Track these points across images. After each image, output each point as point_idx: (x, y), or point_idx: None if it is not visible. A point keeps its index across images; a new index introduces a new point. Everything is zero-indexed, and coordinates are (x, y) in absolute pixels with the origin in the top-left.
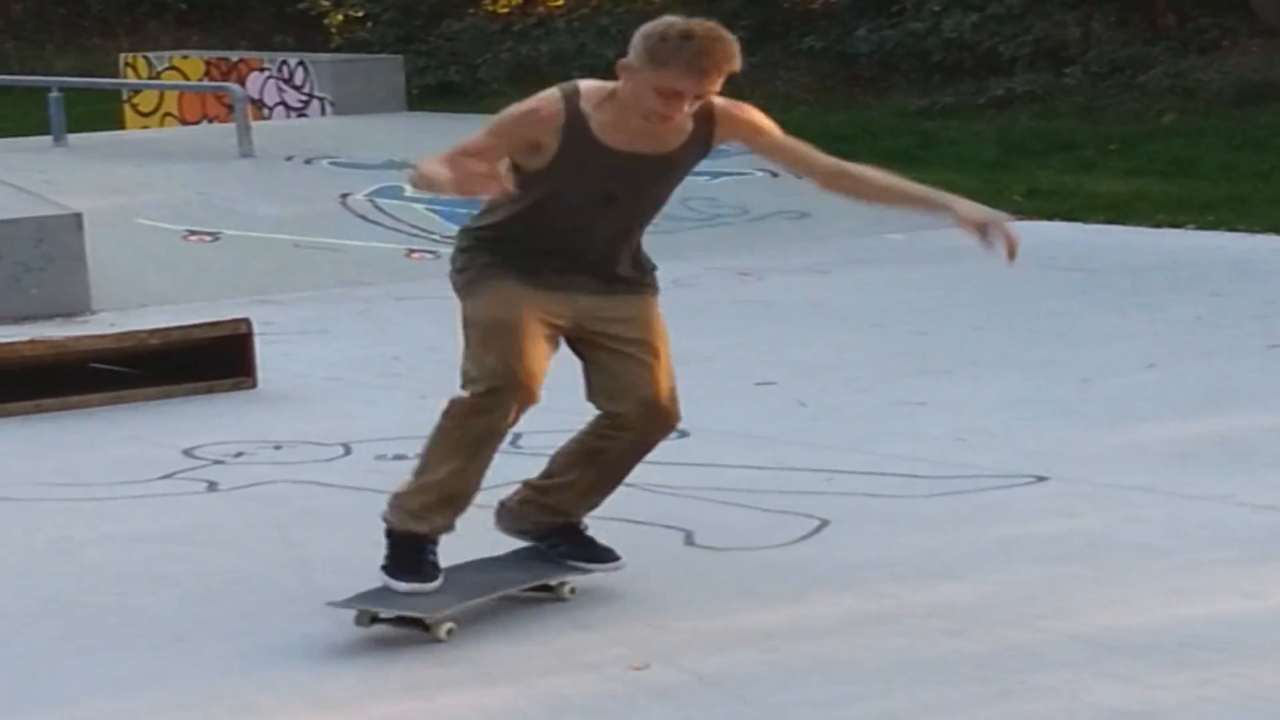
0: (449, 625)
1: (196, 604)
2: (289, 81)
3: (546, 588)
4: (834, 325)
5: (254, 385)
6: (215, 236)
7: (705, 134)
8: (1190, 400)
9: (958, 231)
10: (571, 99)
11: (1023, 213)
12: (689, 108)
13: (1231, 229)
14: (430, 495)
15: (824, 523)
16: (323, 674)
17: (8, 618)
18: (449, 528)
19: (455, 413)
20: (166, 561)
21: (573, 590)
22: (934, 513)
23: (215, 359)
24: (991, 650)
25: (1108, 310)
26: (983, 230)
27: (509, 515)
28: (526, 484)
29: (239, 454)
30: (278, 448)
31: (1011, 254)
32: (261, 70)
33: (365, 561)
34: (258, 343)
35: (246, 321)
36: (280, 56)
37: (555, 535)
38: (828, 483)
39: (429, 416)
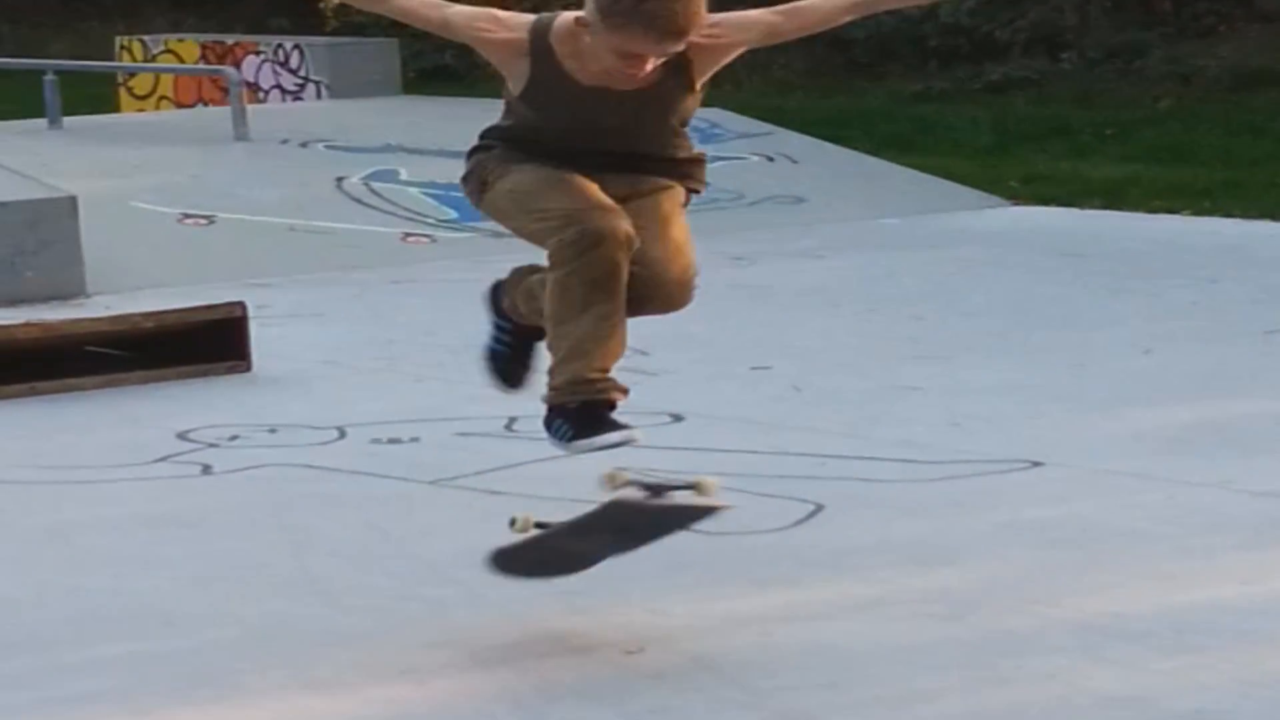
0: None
1: (190, 587)
2: (284, 65)
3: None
4: (829, 310)
5: (249, 369)
6: (210, 220)
7: (682, 68)
8: (1186, 386)
9: (953, 218)
10: (541, 35)
11: (1019, 198)
12: (655, 65)
13: (1228, 215)
14: (579, 360)
15: (818, 507)
16: (316, 657)
17: (2, 601)
18: (618, 386)
19: (561, 257)
20: (160, 544)
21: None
22: (929, 498)
23: (210, 342)
24: (986, 636)
25: (1103, 296)
26: None
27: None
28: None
29: (234, 437)
30: (272, 431)
31: None
32: (257, 54)
33: (359, 545)
34: (252, 326)
35: (241, 305)
36: (276, 40)
37: (515, 331)
38: (822, 467)
39: (424, 400)
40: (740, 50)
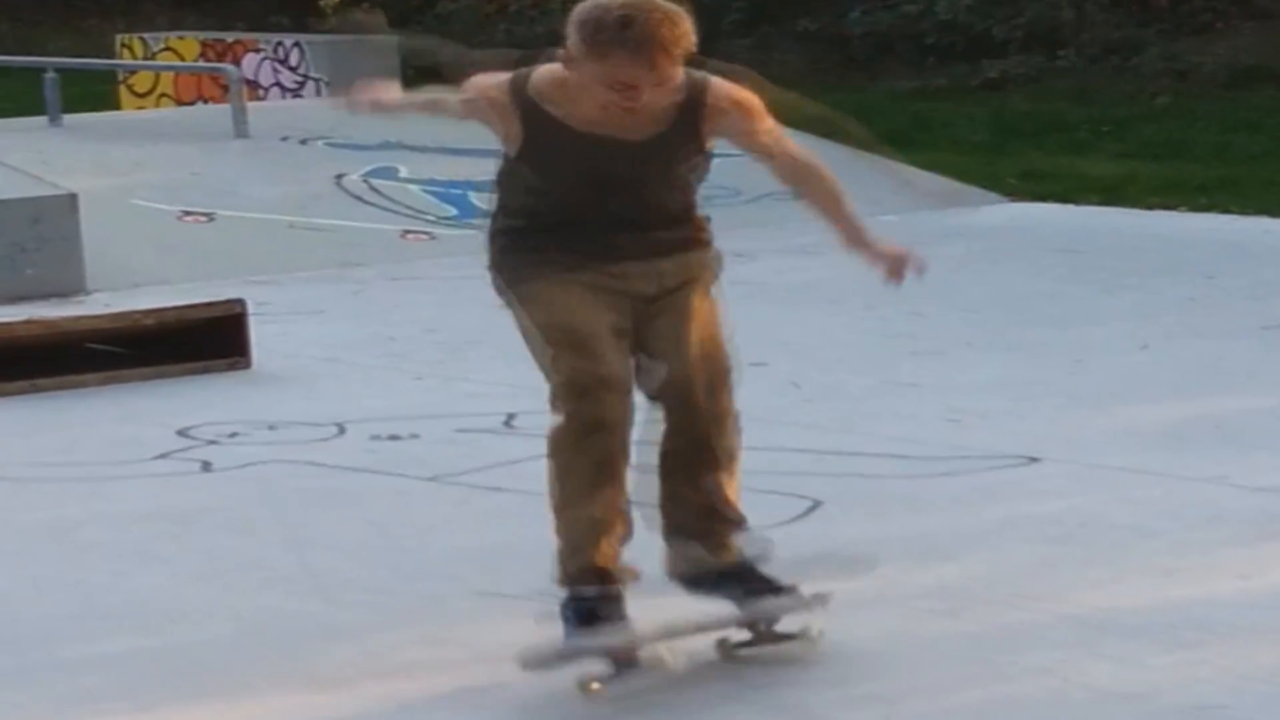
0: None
1: (191, 583)
2: (284, 62)
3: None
4: (827, 306)
5: (249, 366)
6: (210, 217)
7: (690, 123)
8: (1183, 381)
9: (950, 214)
10: (519, 89)
11: (1016, 194)
12: (652, 95)
13: (1225, 211)
14: (580, 546)
15: (816, 503)
16: (316, 653)
17: (2, 597)
18: (630, 572)
19: (558, 444)
20: (161, 541)
21: (821, 632)
22: (926, 494)
23: (210, 339)
24: (983, 631)
25: (1100, 292)
26: (885, 262)
27: (670, 561)
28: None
29: (233, 434)
30: (272, 428)
31: (894, 273)
32: (257, 51)
33: (358, 542)
34: (252, 323)
35: (241, 302)
36: (276, 37)
37: (714, 581)
38: (820, 463)
39: (423, 397)
40: (734, 140)
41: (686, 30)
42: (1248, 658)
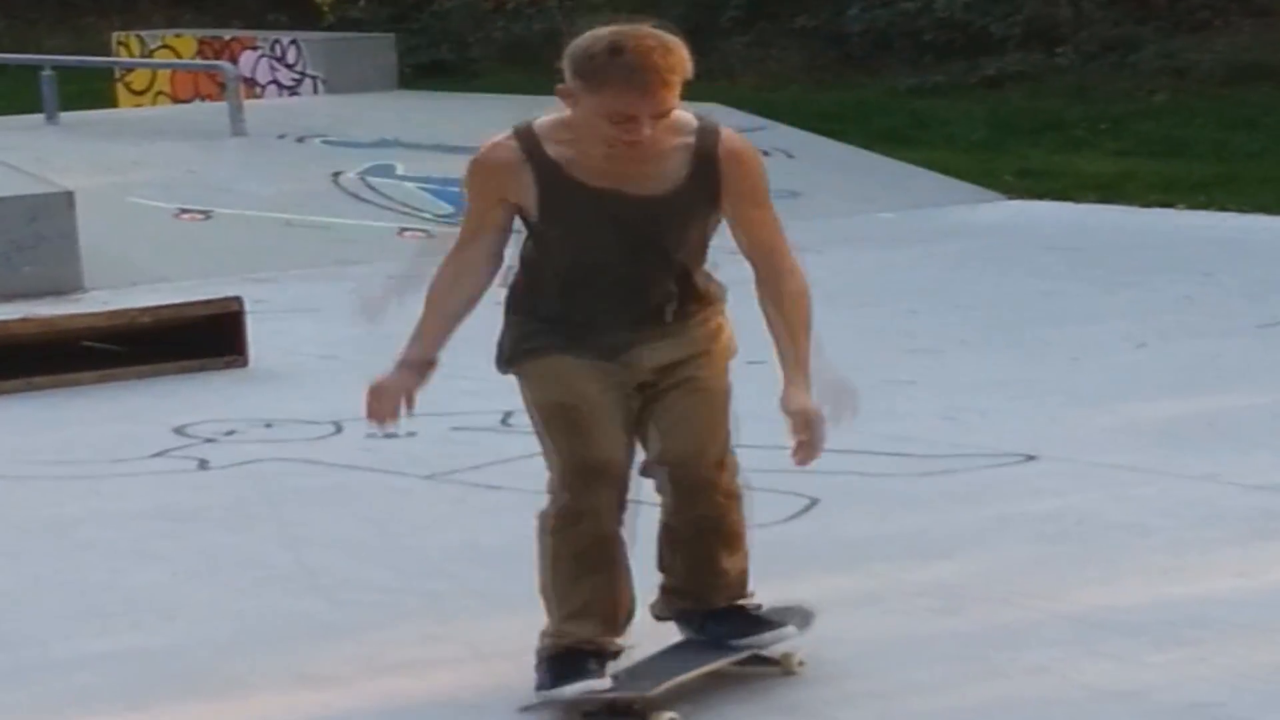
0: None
1: (187, 582)
2: (281, 60)
3: (770, 661)
4: (823, 304)
5: (245, 364)
6: (207, 215)
7: (710, 179)
8: (1181, 380)
9: (948, 212)
10: (527, 139)
11: (1014, 192)
12: (653, 127)
13: (1222, 209)
14: (575, 626)
15: (813, 501)
16: (313, 651)
17: (0, 595)
18: (617, 649)
19: (550, 526)
20: (158, 539)
21: (801, 662)
22: (923, 492)
23: (207, 337)
24: (981, 629)
25: (1098, 290)
26: (798, 422)
27: (657, 603)
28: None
29: (230, 432)
30: (269, 426)
31: (801, 457)
32: (254, 49)
33: (355, 540)
34: (249, 321)
35: (238, 300)
36: (273, 35)
37: (706, 617)
38: (817, 461)
39: (420, 395)
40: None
41: (682, 58)
42: (1245, 656)
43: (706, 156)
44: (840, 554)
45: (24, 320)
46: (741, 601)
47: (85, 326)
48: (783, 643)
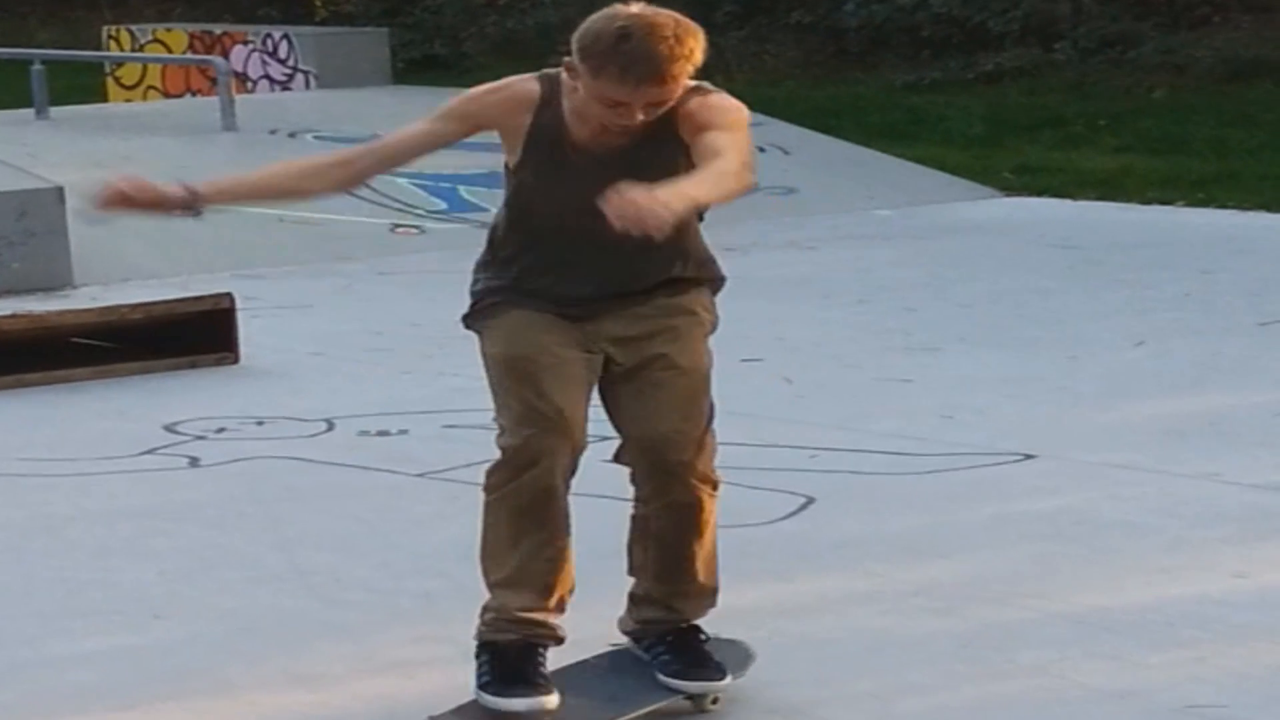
0: None
1: (177, 580)
2: (273, 55)
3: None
4: (820, 302)
5: (236, 360)
6: (198, 211)
7: (670, 125)
8: (1179, 378)
9: (945, 209)
10: (551, 86)
11: (1011, 189)
12: (646, 115)
13: (1222, 206)
14: (509, 595)
15: (809, 500)
16: (303, 650)
17: None
18: (550, 630)
19: (493, 481)
20: (148, 537)
21: (715, 699)
22: (921, 490)
23: (198, 334)
24: (978, 629)
25: (1097, 287)
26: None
27: (623, 616)
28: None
29: (221, 429)
30: (260, 423)
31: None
32: (245, 43)
33: (346, 538)
34: (240, 317)
35: (229, 296)
36: (264, 29)
37: (660, 641)
38: (813, 460)
39: (412, 392)
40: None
41: (692, 49)
42: (1243, 656)
43: (677, 103)
44: (836, 553)
45: (14, 316)
46: (699, 622)
47: (75, 323)
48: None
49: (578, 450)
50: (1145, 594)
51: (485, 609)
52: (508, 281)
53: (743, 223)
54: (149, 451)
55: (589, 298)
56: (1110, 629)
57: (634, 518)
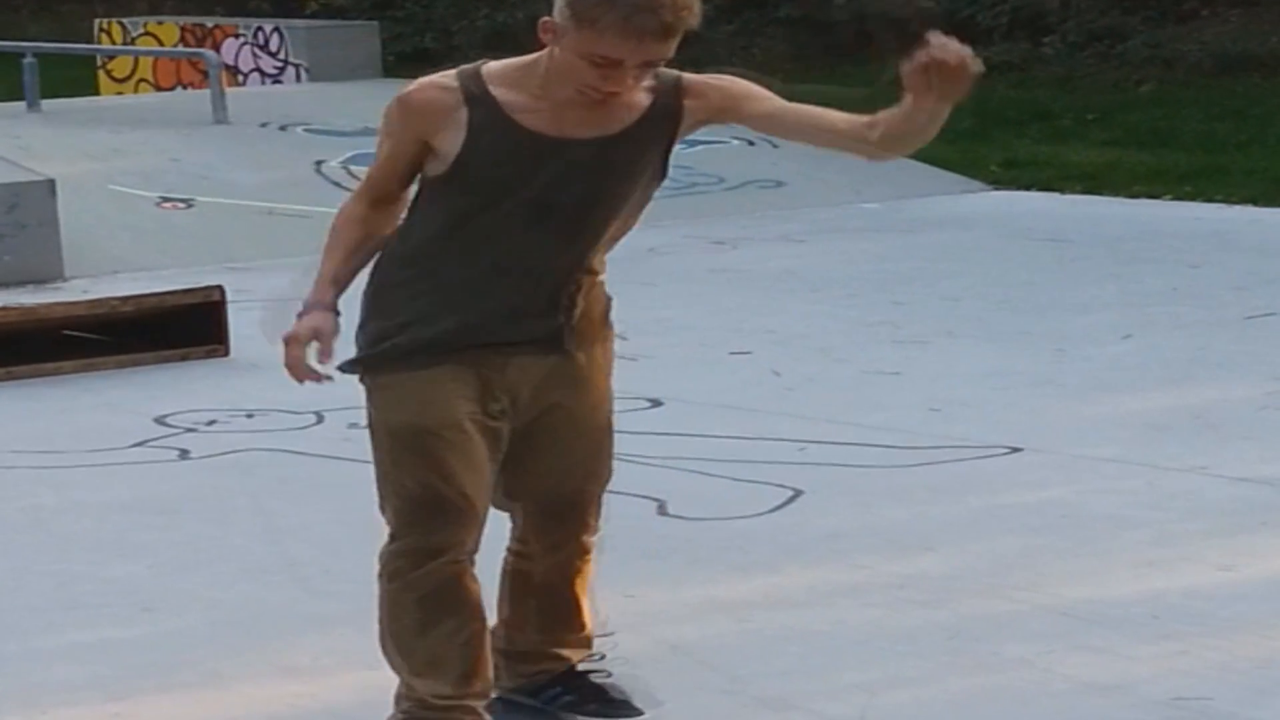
0: None
1: (167, 573)
2: (264, 48)
3: None
4: (809, 295)
5: (227, 353)
6: (189, 203)
7: (670, 107)
8: (1166, 371)
9: (933, 203)
10: (470, 79)
11: (999, 183)
12: (636, 80)
13: (1209, 200)
14: (425, 684)
15: (798, 493)
16: (292, 643)
17: None
18: (477, 718)
19: (391, 569)
20: (138, 530)
21: None
22: (908, 483)
23: (188, 326)
24: (965, 621)
25: (1084, 281)
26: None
27: (497, 671)
28: (493, 636)
29: (211, 422)
30: (250, 416)
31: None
32: (237, 36)
33: (336, 531)
34: (231, 310)
35: (220, 289)
36: (255, 23)
37: (553, 683)
38: (801, 452)
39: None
40: (728, 113)
41: (691, 5)
42: (1229, 649)
43: (669, 87)
44: (824, 545)
45: (4, 309)
46: (586, 667)
47: (66, 315)
48: None
49: (482, 531)
50: (1132, 587)
51: (399, 698)
52: (408, 319)
53: (731, 216)
54: (139, 444)
55: (513, 334)
56: (1097, 621)
57: (512, 572)
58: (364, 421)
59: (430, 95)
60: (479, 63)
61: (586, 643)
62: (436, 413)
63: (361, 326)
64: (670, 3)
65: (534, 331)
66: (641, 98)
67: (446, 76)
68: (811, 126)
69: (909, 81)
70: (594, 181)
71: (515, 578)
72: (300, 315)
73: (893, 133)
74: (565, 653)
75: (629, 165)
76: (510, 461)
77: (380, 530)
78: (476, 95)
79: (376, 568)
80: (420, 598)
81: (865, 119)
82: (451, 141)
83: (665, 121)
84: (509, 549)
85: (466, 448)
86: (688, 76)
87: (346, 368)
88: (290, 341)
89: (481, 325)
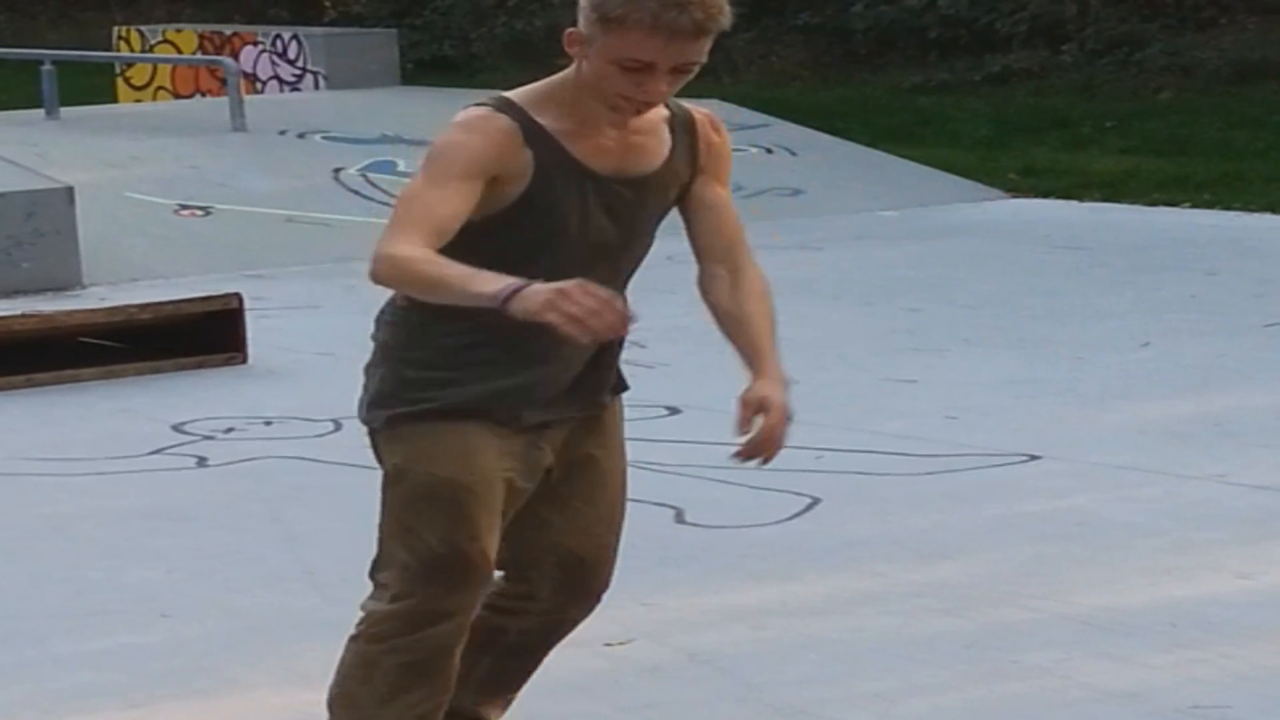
0: None
1: (184, 580)
2: (283, 55)
3: None
4: (826, 302)
5: (245, 360)
6: (207, 211)
7: (690, 149)
8: (1184, 379)
9: (952, 210)
10: (513, 111)
11: (1018, 190)
12: (670, 87)
13: (1228, 207)
14: None
15: (815, 501)
16: (308, 650)
17: None
18: None
19: (380, 630)
20: (155, 537)
21: None
22: (926, 491)
23: (206, 334)
24: (982, 629)
25: (1102, 289)
26: (752, 410)
27: None
28: None
29: (229, 429)
30: (268, 423)
31: (748, 453)
32: (255, 44)
33: (353, 538)
34: (249, 318)
35: (238, 296)
36: (274, 30)
37: None
38: (819, 460)
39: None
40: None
41: (722, 6)
42: (1247, 657)
43: (684, 123)
44: (841, 554)
45: (23, 316)
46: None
47: (84, 323)
48: None
49: (472, 613)
50: (1150, 595)
51: None
52: (454, 374)
53: (749, 224)
54: (157, 451)
55: (557, 385)
56: (1115, 630)
57: (487, 629)
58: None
59: (501, 125)
60: (498, 95)
61: (509, 705)
62: (478, 468)
63: (394, 373)
64: (700, 1)
65: (583, 385)
66: (665, 135)
67: (487, 108)
68: (708, 234)
69: (747, 407)
70: (634, 221)
71: (485, 634)
72: (517, 293)
73: (714, 304)
74: (493, 714)
75: (658, 205)
76: (531, 519)
77: None
78: (530, 129)
79: (356, 628)
80: (405, 664)
81: (729, 270)
82: (517, 180)
83: (688, 164)
84: (489, 605)
85: (495, 507)
86: (701, 114)
87: (379, 418)
88: (601, 297)
89: (536, 381)
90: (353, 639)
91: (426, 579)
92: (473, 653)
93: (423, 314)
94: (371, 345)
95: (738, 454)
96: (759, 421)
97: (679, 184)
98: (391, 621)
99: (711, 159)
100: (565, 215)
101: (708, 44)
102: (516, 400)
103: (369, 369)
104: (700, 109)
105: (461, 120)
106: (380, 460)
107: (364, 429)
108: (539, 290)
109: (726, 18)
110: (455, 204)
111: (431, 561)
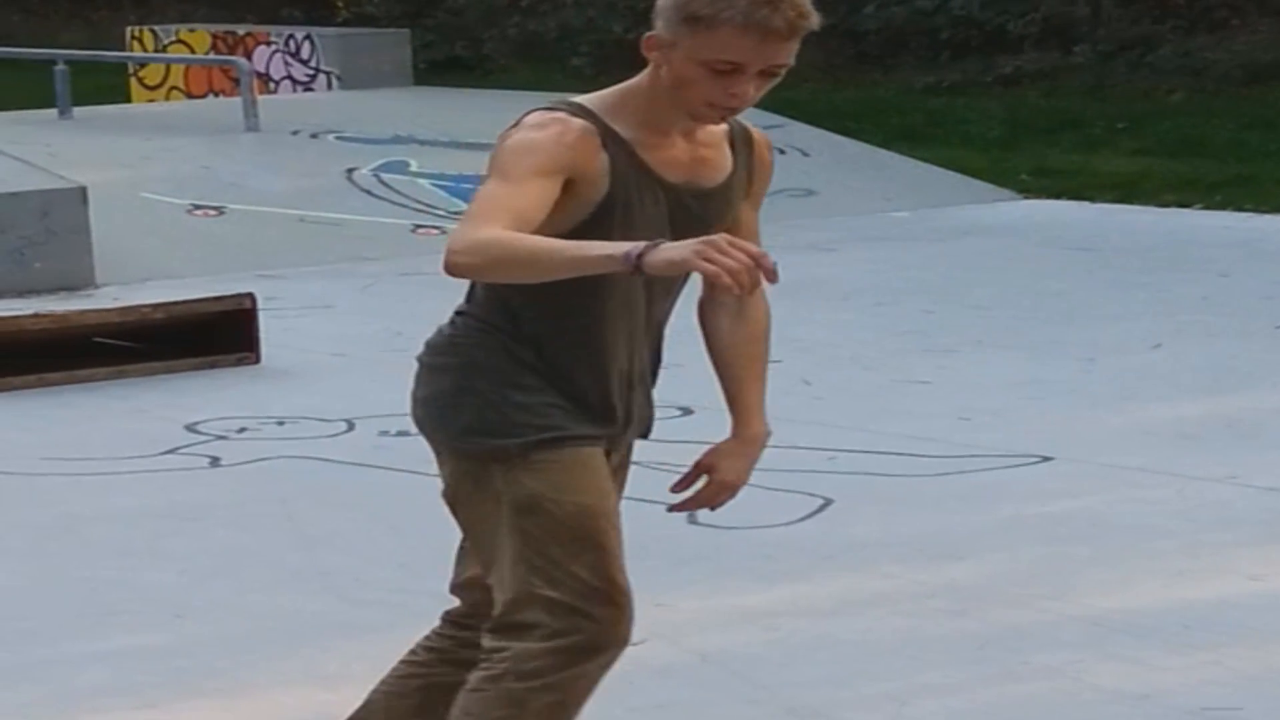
0: None
1: (198, 580)
2: (295, 55)
3: None
4: (838, 303)
5: (257, 360)
6: (220, 211)
7: (748, 167)
8: (1196, 381)
9: (963, 211)
10: (585, 113)
11: (1029, 191)
12: (758, 90)
13: (1239, 209)
14: None
15: (827, 502)
16: (321, 650)
17: (11, 592)
18: None
19: (534, 667)
20: (168, 537)
21: None
22: (937, 492)
23: (219, 334)
24: (994, 631)
25: (1114, 290)
26: (700, 473)
27: None
28: None
29: (242, 429)
30: (281, 423)
31: (679, 508)
32: (268, 44)
33: (367, 538)
34: (262, 318)
35: (250, 296)
36: (287, 30)
37: None
38: (831, 461)
39: None
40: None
41: (810, 9)
42: (1259, 659)
43: (744, 139)
44: (853, 554)
45: (36, 316)
46: None
47: (97, 322)
48: None
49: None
50: (1161, 597)
51: None
52: (554, 401)
53: (762, 225)
54: (170, 451)
55: (629, 406)
56: (1126, 631)
57: (442, 685)
58: (463, 498)
59: (579, 126)
60: (568, 99)
61: None
62: (608, 493)
63: (496, 398)
64: (790, 0)
65: (644, 407)
66: (728, 151)
67: (560, 111)
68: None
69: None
70: (698, 233)
71: (445, 690)
72: (651, 249)
73: (710, 334)
74: None
75: (719, 218)
76: None
77: (405, 540)
78: (607, 133)
79: (494, 667)
80: (555, 703)
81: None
82: (595, 185)
83: (742, 180)
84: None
85: (618, 523)
86: (756, 132)
87: (489, 446)
88: (729, 242)
89: (617, 402)
90: (491, 679)
91: (585, 612)
92: (435, 710)
93: (502, 335)
94: (417, 364)
95: (671, 508)
96: (700, 483)
97: (739, 199)
98: (547, 658)
99: (761, 181)
100: (642, 224)
101: (796, 46)
102: (608, 417)
103: (445, 394)
104: (757, 129)
105: (535, 120)
106: (479, 487)
107: (446, 452)
108: (681, 243)
109: (814, 20)
110: (534, 196)
111: (588, 595)
